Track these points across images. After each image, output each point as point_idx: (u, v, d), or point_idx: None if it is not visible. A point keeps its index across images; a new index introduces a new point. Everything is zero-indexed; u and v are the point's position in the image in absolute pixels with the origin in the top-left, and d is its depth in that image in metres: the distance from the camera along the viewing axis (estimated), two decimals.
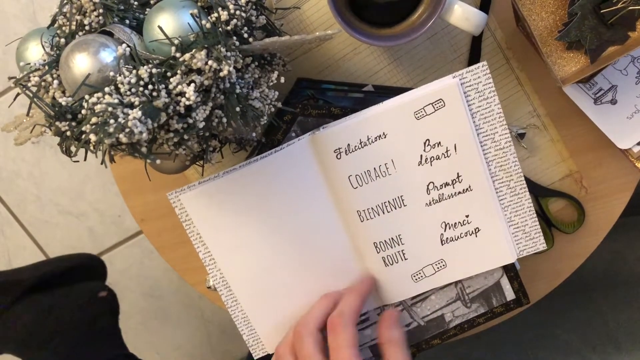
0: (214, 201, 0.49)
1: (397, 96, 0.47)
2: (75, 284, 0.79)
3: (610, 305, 0.75)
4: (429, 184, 0.48)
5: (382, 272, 0.51)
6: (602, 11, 0.46)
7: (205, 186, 0.49)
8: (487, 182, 0.48)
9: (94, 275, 0.83)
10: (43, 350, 0.72)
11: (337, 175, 0.49)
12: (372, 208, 0.49)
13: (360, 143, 0.48)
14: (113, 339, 0.78)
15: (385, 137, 0.48)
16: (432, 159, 0.48)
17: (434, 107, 0.46)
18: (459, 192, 0.48)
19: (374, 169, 0.48)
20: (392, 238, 0.50)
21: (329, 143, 0.48)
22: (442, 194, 0.49)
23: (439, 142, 0.47)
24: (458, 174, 0.48)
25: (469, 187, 0.48)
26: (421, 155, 0.48)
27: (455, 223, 0.49)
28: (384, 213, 0.49)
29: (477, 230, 0.49)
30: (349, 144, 0.48)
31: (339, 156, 0.48)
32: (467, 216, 0.49)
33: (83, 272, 0.82)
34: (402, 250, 0.50)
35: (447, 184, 0.48)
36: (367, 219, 0.50)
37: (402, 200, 0.49)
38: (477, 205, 0.49)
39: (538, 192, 0.56)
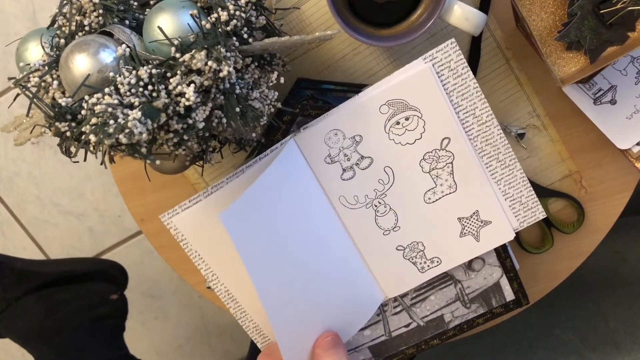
0: (207, 218, 0.49)
1: (357, 96, 0.47)
2: (90, 284, 0.80)
3: (610, 305, 0.75)
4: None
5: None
6: (601, 11, 0.46)
7: (196, 206, 0.48)
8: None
9: (113, 281, 0.84)
10: (45, 346, 0.73)
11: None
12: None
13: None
14: (115, 340, 0.79)
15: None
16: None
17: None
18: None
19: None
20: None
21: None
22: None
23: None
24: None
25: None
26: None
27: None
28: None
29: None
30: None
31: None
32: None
33: (103, 277, 0.82)
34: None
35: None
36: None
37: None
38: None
39: (537, 192, 0.55)
